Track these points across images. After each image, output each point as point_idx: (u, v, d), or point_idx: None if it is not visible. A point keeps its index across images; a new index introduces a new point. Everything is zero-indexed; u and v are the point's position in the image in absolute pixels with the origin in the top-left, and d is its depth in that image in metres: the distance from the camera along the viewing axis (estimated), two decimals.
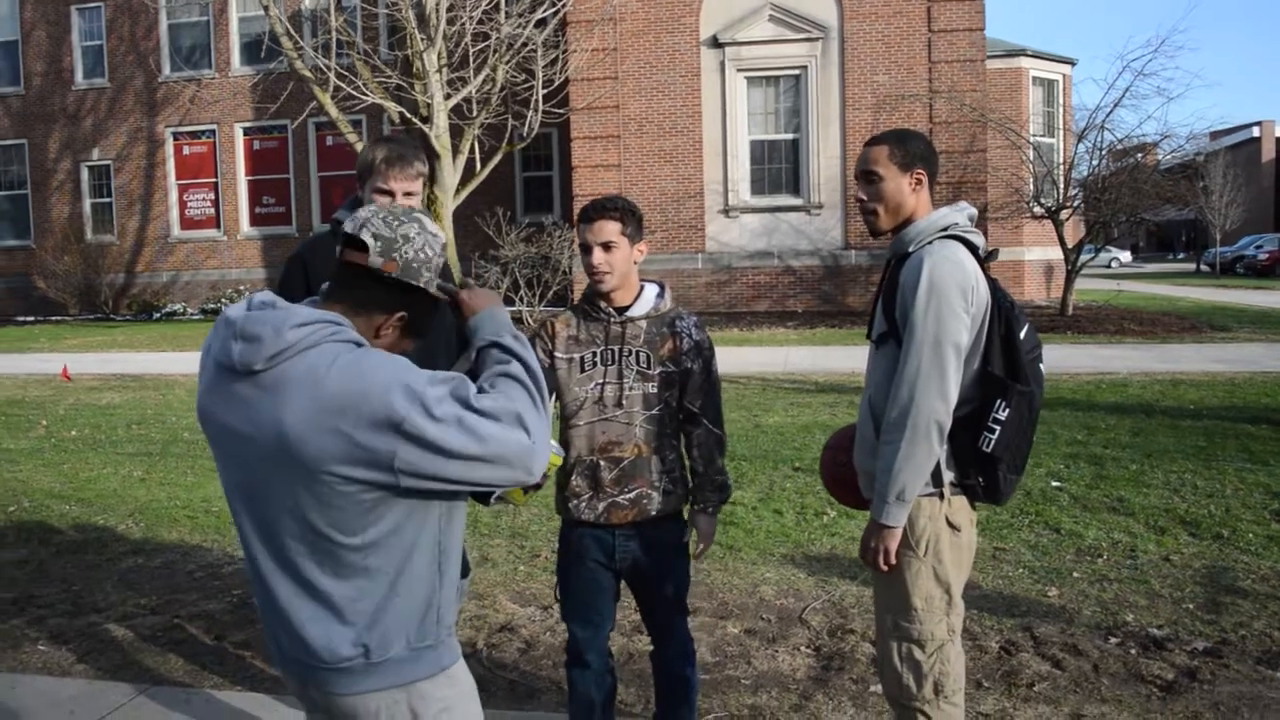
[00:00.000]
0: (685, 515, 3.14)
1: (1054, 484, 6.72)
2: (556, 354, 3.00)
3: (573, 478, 3.02)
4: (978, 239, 2.67)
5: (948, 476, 2.62)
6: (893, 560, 2.62)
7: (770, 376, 11.53)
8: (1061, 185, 18.98)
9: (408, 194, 3.06)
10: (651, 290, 3.06)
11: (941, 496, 2.62)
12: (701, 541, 3.12)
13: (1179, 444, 7.78)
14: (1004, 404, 2.53)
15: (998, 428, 2.53)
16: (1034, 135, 21.14)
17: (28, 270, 27.21)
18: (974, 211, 2.74)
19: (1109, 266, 46.82)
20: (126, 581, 5.30)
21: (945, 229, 2.63)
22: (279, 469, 1.76)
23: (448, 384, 1.75)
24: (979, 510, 2.77)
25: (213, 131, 26.44)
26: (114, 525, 6.39)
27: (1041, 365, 2.67)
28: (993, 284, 2.63)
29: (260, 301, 1.85)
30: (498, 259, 18.16)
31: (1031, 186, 20.57)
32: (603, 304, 2.98)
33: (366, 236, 1.81)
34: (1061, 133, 23.87)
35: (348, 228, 1.83)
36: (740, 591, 4.86)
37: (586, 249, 2.92)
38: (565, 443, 3.02)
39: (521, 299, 17.75)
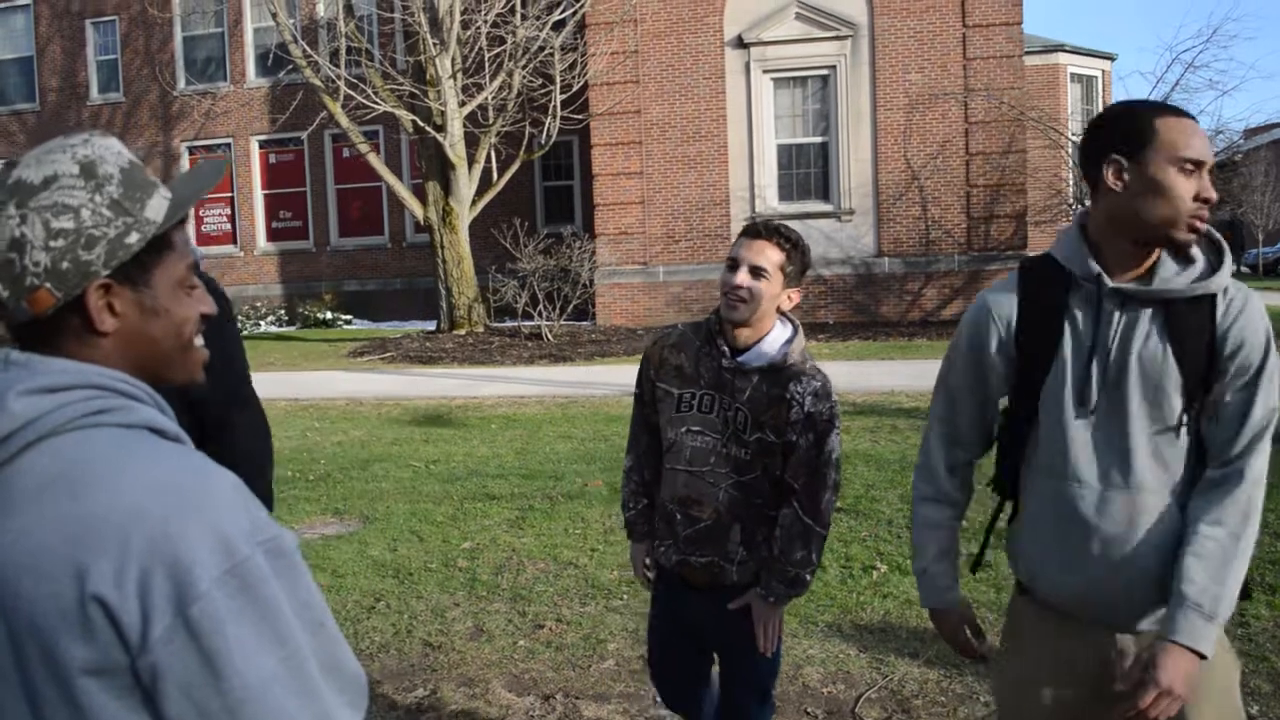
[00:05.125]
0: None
1: None
2: (660, 383, 2.63)
3: (657, 517, 2.66)
4: None
5: None
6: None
7: None
8: None
9: None
10: (779, 335, 2.51)
11: None
12: (758, 628, 2.54)
13: (1272, 475, 6.89)
14: None
15: None
16: (1074, 134, 20.20)
17: None
18: None
19: None
20: None
21: None
22: None
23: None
24: None
25: (228, 145, 25.92)
26: None
27: None
28: None
29: None
30: (515, 272, 17.49)
31: (1073, 187, 19.66)
32: (720, 340, 2.52)
33: None
34: None
35: None
36: (780, 675, 4.07)
37: (734, 265, 2.47)
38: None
39: (540, 313, 17.06)
